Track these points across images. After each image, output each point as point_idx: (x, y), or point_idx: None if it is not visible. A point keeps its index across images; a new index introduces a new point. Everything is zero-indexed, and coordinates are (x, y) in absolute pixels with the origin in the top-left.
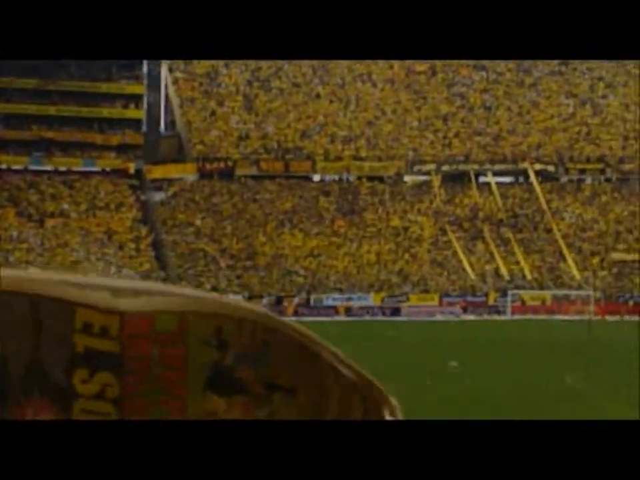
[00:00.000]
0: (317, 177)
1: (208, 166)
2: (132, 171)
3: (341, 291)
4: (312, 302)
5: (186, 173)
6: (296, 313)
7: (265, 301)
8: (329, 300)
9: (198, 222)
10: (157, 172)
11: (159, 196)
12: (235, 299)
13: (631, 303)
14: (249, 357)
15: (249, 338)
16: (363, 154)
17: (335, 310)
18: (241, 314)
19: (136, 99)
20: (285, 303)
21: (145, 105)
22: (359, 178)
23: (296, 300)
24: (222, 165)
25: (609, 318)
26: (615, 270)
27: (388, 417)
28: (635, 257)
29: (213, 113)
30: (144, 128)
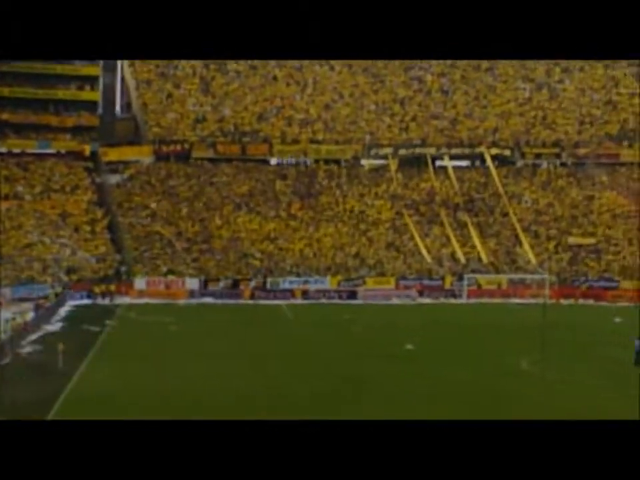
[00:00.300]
0: (273, 160)
1: (164, 148)
2: (87, 153)
3: (297, 274)
4: (268, 285)
5: (142, 155)
6: (252, 296)
7: (221, 283)
8: (286, 283)
9: (154, 205)
10: (113, 154)
11: (114, 178)
12: None
13: (585, 286)
14: None
15: None
16: (320, 137)
17: (291, 293)
18: None
19: (91, 80)
20: (242, 286)
21: (101, 87)
22: (316, 161)
23: (252, 283)
24: (178, 147)
25: (563, 302)
26: (569, 254)
27: None
28: (591, 241)
29: (170, 95)
30: (99, 110)
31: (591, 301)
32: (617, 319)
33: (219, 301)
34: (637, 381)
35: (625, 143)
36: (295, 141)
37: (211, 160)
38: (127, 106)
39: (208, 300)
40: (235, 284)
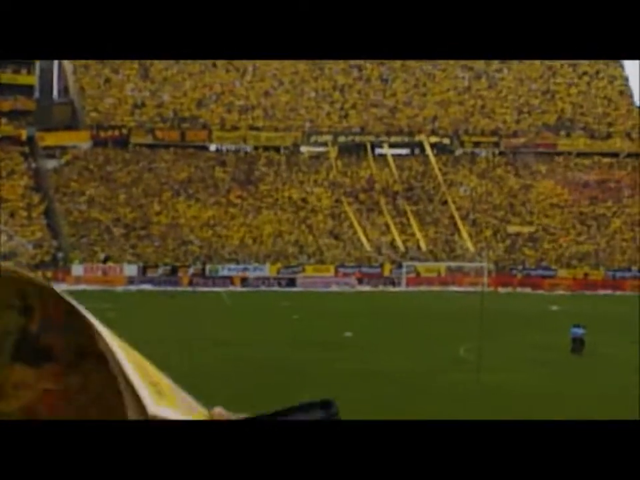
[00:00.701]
0: (213, 147)
1: (102, 134)
2: (24, 137)
3: (236, 261)
4: (207, 272)
5: (79, 140)
6: (191, 283)
7: (160, 270)
8: (225, 270)
9: (91, 190)
10: (50, 139)
11: (51, 163)
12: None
13: (521, 275)
14: (55, 324)
15: (52, 304)
16: (260, 124)
17: (230, 280)
18: (40, 281)
19: (28, 64)
20: (180, 273)
21: (38, 71)
22: (256, 148)
23: (191, 270)
24: (116, 132)
25: (501, 290)
26: (507, 242)
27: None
28: (530, 229)
29: (108, 80)
30: (36, 94)
31: (528, 289)
32: (554, 307)
33: (158, 288)
34: (574, 368)
35: (563, 133)
36: (235, 128)
37: (149, 146)
38: (64, 90)
39: (146, 287)
40: (174, 271)
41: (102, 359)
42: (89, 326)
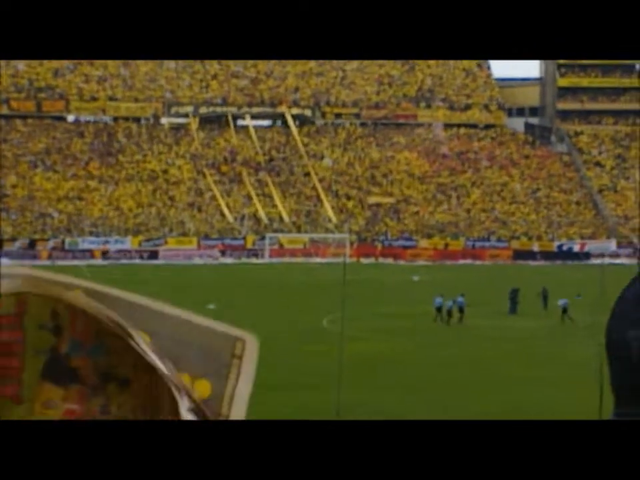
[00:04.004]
0: (70, 117)
1: None
2: None
3: (97, 234)
4: (67, 245)
5: None
6: (50, 257)
7: (17, 244)
8: (85, 243)
9: None
10: None
11: None
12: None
13: (382, 246)
14: (83, 345)
15: (82, 325)
16: (119, 95)
17: (90, 253)
18: (71, 299)
19: None
20: (39, 247)
21: None
22: (115, 119)
23: (50, 243)
24: None
25: (363, 260)
26: (369, 213)
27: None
28: (391, 200)
29: None
30: None
31: (390, 260)
32: (415, 277)
33: (15, 262)
34: (437, 335)
35: (423, 104)
36: (93, 98)
37: (4, 116)
38: None
39: (3, 261)
40: (32, 244)
41: (126, 382)
42: (119, 346)
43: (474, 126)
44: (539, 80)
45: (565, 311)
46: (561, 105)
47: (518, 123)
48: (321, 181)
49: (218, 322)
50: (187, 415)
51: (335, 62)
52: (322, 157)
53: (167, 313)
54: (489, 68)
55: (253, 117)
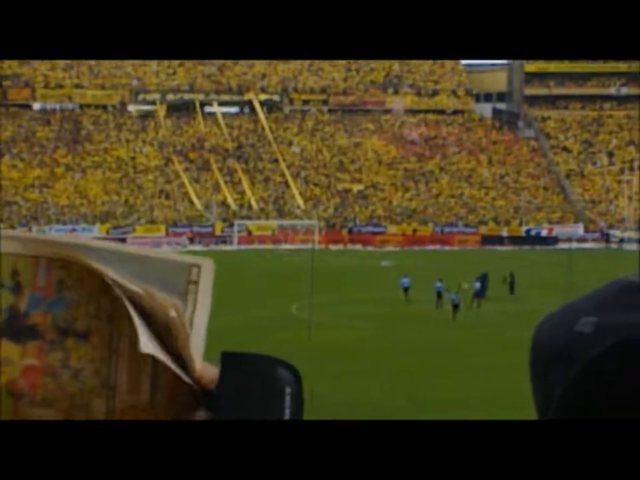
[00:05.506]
0: (36, 105)
1: None
2: None
3: (64, 222)
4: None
5: None
6: None
7: None
8: (52, 231)
9: None
10: None
11: None
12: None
13: (351, 232)
14: (43, 301)
15: (44, 278)
16: (85, 82)
17: None
18: (38, 251)
19: None
20: None
21: None
22: (81, 107)
23: (16, 232)
24: None
25: (332, 247)
26: (337, 200)
27: (173, 314)
28: (359, 187)
29: None
30: None
31: (358, 246)
32: (384, 263)
33: None
34: (406, 320)
35: (390, 90)
36: (59, 86)
37: None
38: None
39: None
40: None
41: (84, 337)
42: (80, 296)
43: (442, 112)
44: (507, 65)
45: (456, 306)
46: (528, 90)
47: (485, 109)
48: (289, 167)
49: (174, 253)
50: (146, 346)
51: None
52: (290, 144)
53: (123, 251)
54: None
55: (221, 103)
